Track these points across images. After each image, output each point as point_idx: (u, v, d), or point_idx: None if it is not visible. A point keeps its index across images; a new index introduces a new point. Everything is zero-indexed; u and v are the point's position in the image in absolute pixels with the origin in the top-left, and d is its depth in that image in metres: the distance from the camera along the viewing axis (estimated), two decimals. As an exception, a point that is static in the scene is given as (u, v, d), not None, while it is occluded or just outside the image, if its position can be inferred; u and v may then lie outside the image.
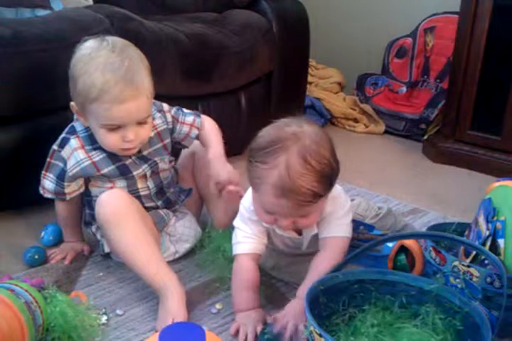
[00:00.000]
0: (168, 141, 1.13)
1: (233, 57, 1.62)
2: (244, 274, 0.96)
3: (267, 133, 0.87)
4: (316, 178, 0.83)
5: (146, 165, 1.08)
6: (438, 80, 2.09)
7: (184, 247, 1.16)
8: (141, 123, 0.99)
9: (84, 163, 1.04)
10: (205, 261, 1.12)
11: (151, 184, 1.11)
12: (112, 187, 1.06)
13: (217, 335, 0.88)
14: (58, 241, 1.21)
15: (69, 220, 1.16)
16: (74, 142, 1.04)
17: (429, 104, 2.05)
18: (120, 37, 1.34)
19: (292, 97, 1.87)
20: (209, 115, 1.58)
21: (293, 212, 0.87)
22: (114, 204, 1.00)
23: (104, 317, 0.95)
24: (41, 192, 1.09)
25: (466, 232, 1.05)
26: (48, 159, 1.06)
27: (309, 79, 2.08)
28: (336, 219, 0.96)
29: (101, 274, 1.10)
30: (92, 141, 1.04)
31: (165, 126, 1.12)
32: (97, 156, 1.04)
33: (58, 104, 1.29)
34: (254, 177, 0.86)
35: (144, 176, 1.09)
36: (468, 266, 0.91)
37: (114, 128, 0.97)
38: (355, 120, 2.20)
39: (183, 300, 0.94)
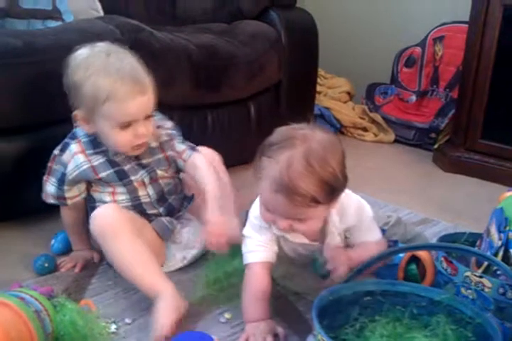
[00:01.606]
0: (170, 153, 1.14)
1: (242, 67, 1.63)
2: (257, 284, 0.95)
3: (279, 132, 0.89)
4: (316, 182, 0.83)
5: (143, 171, 1.10)
6: (447, 89, 2.09)
7: (191, 253, 1.16)
8: (147, 117, 1.03)
9: (83, 167, 1.06)
10: (215, 270, 1.11)
11: (151, 191, 1.12)
12: (112, 193, 1.09)
13: (226, 345, 0.87)
14: (68, 249, 1.22)
15: (75, 227, 1.16)
16: (74, 146, 1.07)
17: (439, 113, 2.05)
18: (130, 48, 1.36)
19: (301, 107, 1.88)
20: (218, 125, 1.61)
21: (289, 211, 0.86)
22: (106, 218, 1.02)
23: (114, 326, 0.95)
24: (43, 197, 1.11)
25: (478, 242, 1.04)
26: (49, 164, 1.09)
27: (318, 88, 2.08)
28: (367, 229, 0.99)
29: (110, 282, 1.10)
30: (93, 146, 1.07)
31: (166, 138, 1.13)
32: (97, 160, 1.07)
33: (68, 115, 1.30)
34: (258, 171, 0.88)
35: (143, 183, 1.10)
36: (481, 277, 0.90)
37: (126, 125, 1.00)
38: (365, 129, 2.20)
39: (172, 311, 0.91)
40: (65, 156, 1.07)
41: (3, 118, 1.21)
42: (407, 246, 1.06)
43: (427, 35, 2.15)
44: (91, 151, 1.07)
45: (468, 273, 0.92)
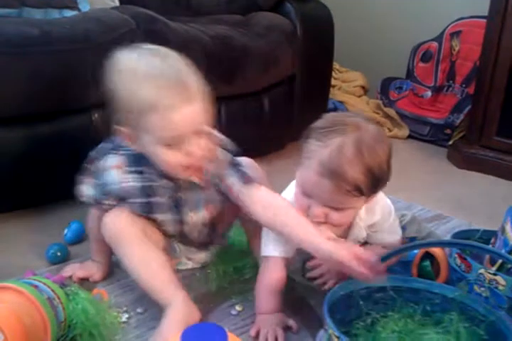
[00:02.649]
0: (210, 191, 0.99)
1: (257, 60, 1.62)
2: (272, 278, 0.94)
3: (330, 116, 0.88)
4: (363, 171, 0.82)
5: (172, 216, 1.00)
6: (464, 85, 2.06)
7: (200, 265, 1.14)
8: (200, 134, 0.87)
9: (117, 186, 0.96)
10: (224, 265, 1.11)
11: (171, 229, 1.03)
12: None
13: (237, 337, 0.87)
14: (81, 238, 1.23)
15: (100, 236, 1.02)
16: (112, 160, 0.95)
17: (454, 109, 2.02)
18: (145, 37, 1.36)
19: (315, 100, 1.87)
20: (231, 116, 1.60)
21: (329, 198, 0.85)
22: (117, 224, 0.96)
23: (125, 316, 0.96)
24: (79, 196, 1.01)
25: (492, 240, 1.03)
26: (87, 165, 0.98)
27: (332, 82, 2.07)
28: (389, 229, 1.00)
29: (122, 272, 1.10)
30: (135, 162, 0.94)
31: (216, 181, 0.97)
32: (132, 183, 0.96)
33: (83, 104, 1.31)
34: (304, 154, 0.86)
35: (166, 223, 1.02)
36: (495, 274, 0.89)
37: (173, 143, 0.86)
38: (379, 124, 2.17)
39: (181, 318, 0.88)
40: (103, 164, 0.96)
41: (18, 107, 1.21)
42: (422, 243, 1.06)
43: (444, 30, 2.13)
44: (131, 168, 0.95)
45: (482, 271, 0.91)
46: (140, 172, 0.95)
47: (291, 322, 0.94)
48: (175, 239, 1.07)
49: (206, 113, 0.87)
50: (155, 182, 0.96)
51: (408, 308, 0.86)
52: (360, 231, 0.98)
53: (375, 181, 0.85)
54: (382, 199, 0.98)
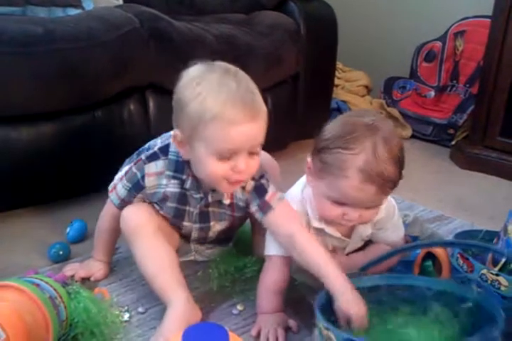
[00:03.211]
0: (238, 214, 1.05)
1: (260, 59, 1.61)
2: (275, 277, 0.95)
3: (345, 122, 0.89)
4: (398, 166, 0.85)
5: (198, 225, 1.05)
6: (467, 85, 2.06)
7: (204, 259, 1.16)
8: (252, 153, 0.89)
9: (161, 190, 0.99)
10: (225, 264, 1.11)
11: (194, 234, 1.08)
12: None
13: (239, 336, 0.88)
14: (83, 237, 1.23)
15: (108, 235, 1.09)
16: (160, 165, 0.97)
17: (457, 109, 2.02)
18: (149, 36, 1.36)
19: (319, 99, 1.86)
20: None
21: (372, 200, 0.87)
22: (133, 218, 0.99)
23: (127, 315, 0.96)
24: (110, 188, 1.04)
25: (495, 240, 1.03)
26: (132, 164, 0.99)
27: (336, 81, 2.06)
28: (393, 227, 1.01)
29: (124, 271, 1.11)
30: (176, 168, 0.97)
31: (241, 204, 1.01)
32: (172, 188, 0.99)
33: (87, 103, 1.31)
34: (334, 165, 0.86)
35: (190, 228, 1.06)
36: (497, 275, 0.89)
37: (226, 157, 0.87)
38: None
39: (182, 318, 0.89)
40: (148, 168, 0.97)
41: (22, 106, 1.22)
42: (424, 243, 1.06)
43: (448, 30, 2.12)
44: (171, 173, 0.97)
45: (484, 271, 0.91)
46: (180, 180, 0.97)
47: (292, 323, 0.95)
48: (192, 241, 1.10)
49: (265, 132, 0.89)
50: (190, 192, 0.99)
51: (401, 304, 0.85)
52: (365, 229, 0.99)
53: (401, 173, 0.88)
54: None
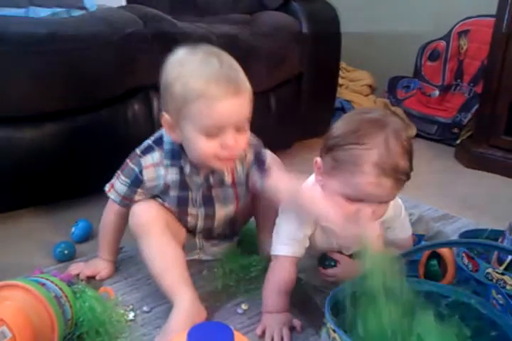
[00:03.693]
0: (241, 188, 1.05)
1: (263, 59, 1.62)
2: (281, 277, 0.94)
3: (349, 121, 0.89)
4: (408, 157, 0.86)
5: (202, 209, 1.05)
6: (471, 84, 2.05)
7: (208, 258, 1.16)
8: (239, 130, 0.90)
9: (161, 181, 1.00)
10: (230, 263, 1.11)
11: (200, 224, 1.08)
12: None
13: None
14: (88, 237, 1.23)
15: (112, 234, 1.09)
16: (156, 156, 0.98)
17: (462, 108, 2.01)
18: (152, 37, 1.37)
19: (322, 99, 1.86)
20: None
21: (387, 194, 0.87)
22: (142, 216, 1.00)
23: (132, 314, 0.96)
24: (107, 189, 1.05)
25: (500, 240, 1.02)
26: (128, 160, 1.01)
27: (339, 81, 2.06)
28: (401, 225, 1.02)
29: (129, 271, 1.11)
30: (172, 156, 0.98)
31: (242, 178, 1.03)
32: (172, 176, 0.99)
33: (90, 103, 1.31)
34: (348, 162, 0.85)
35: (196, 217, 1.06)
36: (502, 274, 0.88)
37: (213, 134, 0.89)
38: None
39: (187, 317, 0.89)
40: (144, 161, 0.99)
41: (25, 107, 1.22)
42: (432, 244, 1.05)
43: (452, 29, 2.12)
44: (169, 162, 0.98)
45: (489, 270, 0.91)
46: (179, 167, 0.99)
47: (296, 322, 0.94)
48: (198, 233, 1.10)
49: (250, 108, 0.91)
50: (191, 177, 1.00)
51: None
52: (375, 228, 0.98)
53: (412, 162, 0.88)
54: None
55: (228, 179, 1.02)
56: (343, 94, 2.18)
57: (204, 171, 1.00)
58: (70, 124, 1.29)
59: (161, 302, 0.99)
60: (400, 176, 0.85)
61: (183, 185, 1.01)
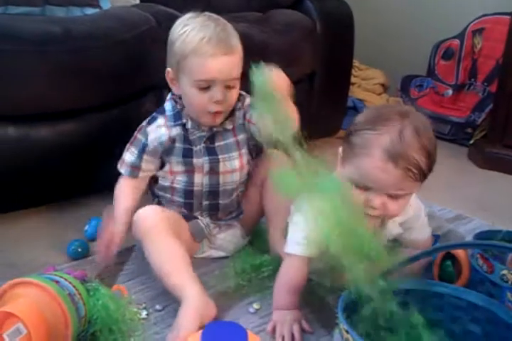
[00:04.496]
0: (242, 136, 1.11)
1: (276, 57, 1.60)
2: (293, 276, 0.95)
3: (374, 109, 0.92)
4: (424, 154, 0.84)
5: (207, 158, 1.08)
6: (486, 83, 2.03)
7: (219, 254, 1.17)
8: (229, 87, 1.02)
9: (163, 138, 1.07)
10: (241, 262, 1.11)
11: (206, 181, 1.10)
12: (170, 172, 1.09)
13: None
14: (101, 235, 1.24)
15: (124, 202, 1.10)
16: (160, 120, 1.08)
17: (476, 107, 1.99)
18: (166, 35, 1.36)
19: (335, 98, 1.85)
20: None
21: (393, 183, 0.85)
22: (147, 220, 1.02)
23: (144, 312, 0.97)
24: (118, 165, 1.11)
25: (515, 241, 1.01)
26: (136, 133, 1.10)
27: (352, 80, 2.05)
28: (421, 226, 1.02)
29: (142, 269, 1.11)
30: (175, 118, 1.08)
31: (240, 122, 1.11)
32: (175, 131, 1.07)
33: (104, 101, 1.32)
34: (358, 145, 0.86)
35: (202, 170, 1.09)
36: (518, 276, 0.88)
37: (205, 87, 1.00)
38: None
39: (195, 311, 0.90)
40: (150, 128, 1.08)
41: (40, 104, 1.23)
42: (446, 245, 1.04)
43: (466, 27, 2.10)
44: (172, 123, 1.07)
45: (505, 271, 0.90)
46: (181, 124, 1.08)
47: (304, 323, 0.94)
48: (203, 211, 1.13)
49: (239, 69, 1.03)
50: (193, 132, 1.08)
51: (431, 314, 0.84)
52: (394, 228, 0.99)
53: (431, 165, 0.87)
54: (413, 198, 0.98)
55: (229, 126, 1.09)
56: (355, 92, 2.17)
57: (204, 125, 1.07)
58: (84, 122, 1.30)
59: (174, 300, 0.99)
60: (410, 168, 0.83)
61: (186, 139, 1.08)
